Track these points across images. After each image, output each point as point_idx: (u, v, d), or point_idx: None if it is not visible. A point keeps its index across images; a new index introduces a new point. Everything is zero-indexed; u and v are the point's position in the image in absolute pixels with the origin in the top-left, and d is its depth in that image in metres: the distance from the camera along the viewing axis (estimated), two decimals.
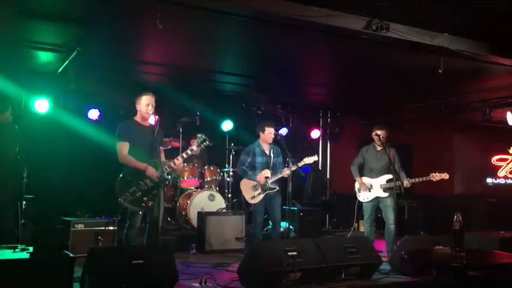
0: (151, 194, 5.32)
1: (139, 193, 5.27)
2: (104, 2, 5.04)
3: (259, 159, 6.69)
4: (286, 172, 6.43)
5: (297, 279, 4.94)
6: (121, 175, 5.31)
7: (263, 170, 6.63)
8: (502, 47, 6.21)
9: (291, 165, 6.45)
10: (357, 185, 7.08)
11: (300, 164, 6.44)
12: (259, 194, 6.58)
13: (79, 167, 7.92)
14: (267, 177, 6.57)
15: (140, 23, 5.55)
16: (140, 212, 5.40)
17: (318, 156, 11.17)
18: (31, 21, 5.61)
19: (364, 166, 7.11)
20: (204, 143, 5.70)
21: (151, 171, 5.31)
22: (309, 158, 6.54)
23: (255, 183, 6.62)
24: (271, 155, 6.70)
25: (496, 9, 5.28)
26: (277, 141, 6.75)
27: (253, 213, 6.69)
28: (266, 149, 6.74)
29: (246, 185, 6.72)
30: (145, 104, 5.45)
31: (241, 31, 5.91)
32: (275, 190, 6.58)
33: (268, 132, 6.70)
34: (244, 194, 6.74)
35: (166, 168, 5.38)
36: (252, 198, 6.63)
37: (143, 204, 5.30)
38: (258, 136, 6.81)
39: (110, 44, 6.65)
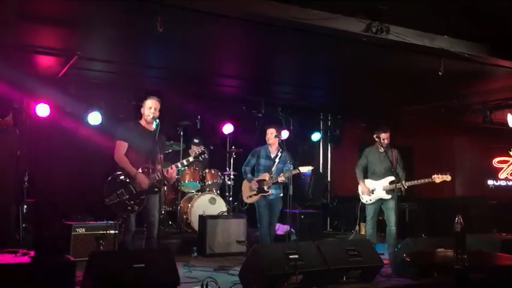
0: (138, 199, 5.29)
1: (127, 196, 5.24)
2: (104, 5, 5.04)
3: (262, 162, 6.82)
4: (281, 179, 6.50)
5: (299, 282, 4.93)
6: (113, 175, 5.29)
7: (265, 172, 6.73)
8: (502, 49, 6.21)
9: (286, 172, 6.50)
10: (360, 187, 7.09)
11: (293, 172, 6.42)
12: (254, 195, 6.73)
13: (80, 170, 7.91)
14: (263, 180, 6.65)
15: (141, 26, 5.56)
16: (132, 217, 5.36)
17: (319, 159, 11.35)
18: (31, 25, 5.62)
19: (368, 168, 7.13)
20: (202, 156, 5.68)
21: (140, 177, 5.27)
22: (304, 167, 6.53)
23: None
24: (276, 160, 6.73)
25: (496, 11, 5.28)
26: (280, 144, 6.77)
27: (258, 216, 6.78)
28: (273, 153, 6.80)
29: (246, 185, 6.93)
30: (147, 107, 5.45)
31: (242, 34, 5.91)
32: (268, 193, 6.64)
33: (270, 133, 6.81)
34: (243, 193, 6.96)
35: (158, 176, 5.31)
36: (247, 198, 6.87)
37: (129, 208, 5.26)
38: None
39: (111, 48, 6.66)
